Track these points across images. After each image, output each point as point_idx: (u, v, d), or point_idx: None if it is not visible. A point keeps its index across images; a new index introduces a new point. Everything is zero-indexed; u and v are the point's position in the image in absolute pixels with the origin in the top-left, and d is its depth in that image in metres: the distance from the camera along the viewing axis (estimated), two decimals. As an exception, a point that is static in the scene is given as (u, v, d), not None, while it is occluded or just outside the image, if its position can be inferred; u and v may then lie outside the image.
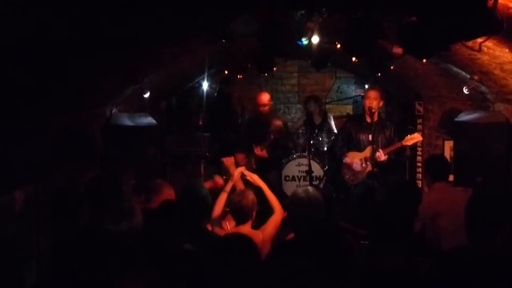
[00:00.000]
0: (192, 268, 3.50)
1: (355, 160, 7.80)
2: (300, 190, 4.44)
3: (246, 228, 4.91)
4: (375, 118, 7.69)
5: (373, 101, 7.63)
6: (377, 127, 7.60)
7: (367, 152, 7.65)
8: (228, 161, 6.45)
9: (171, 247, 3.91)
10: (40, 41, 3.21)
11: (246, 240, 3.50)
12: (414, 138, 7.46)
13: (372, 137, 7.56)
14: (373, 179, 7.67)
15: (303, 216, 4.26)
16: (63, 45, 3.52)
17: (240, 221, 4.99)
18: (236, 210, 5.01)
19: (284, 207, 4.76)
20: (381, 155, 7.44)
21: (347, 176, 7.98)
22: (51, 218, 4.63)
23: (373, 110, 7.60)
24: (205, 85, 9.77)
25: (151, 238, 3.96)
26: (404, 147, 7.63)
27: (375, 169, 7.62)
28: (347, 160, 7.90)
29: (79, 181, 5.37)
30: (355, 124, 8.09)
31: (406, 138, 7.46)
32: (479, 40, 3.75)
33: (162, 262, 3.53)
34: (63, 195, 4.85)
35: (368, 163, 7.64)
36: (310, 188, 4.53)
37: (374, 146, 7.52)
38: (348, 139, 8.04)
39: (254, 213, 5.03)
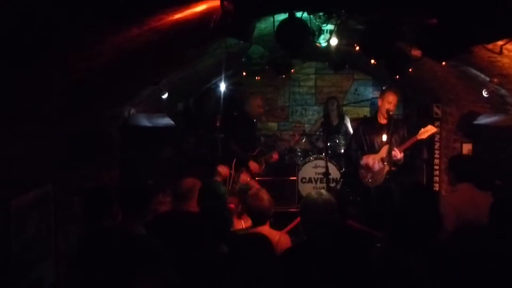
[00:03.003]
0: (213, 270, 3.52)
1: (372, 161, 7.75)
2: (313, 193, 4.39)
3: (264, 228, 4.88)
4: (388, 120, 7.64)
5: (392, 104, 7.58)
6: (390, 128, 7.53)
7: (383, 152, 7.60)
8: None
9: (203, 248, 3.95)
10: (60, 40, 3.23)
11: (263, 239, 3.48)
12: (428, 130, 7.38)
13: (387, 138, 7.51)
14: (391, 179, 7.61)
15: (317, 219, 4.22)
16: (81, 47, 3.54)
17: (258, 222, 4.95)
18: (254, 213, 4.97)
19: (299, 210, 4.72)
20: (397, 153, 7.40)
21: (366, 179, 7.90)
22: (81, 217, 4.65)
23: (391, 113, 7.56)
24: (222, 87, 9.78)
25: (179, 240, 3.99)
26: (421, 146, 7.58)
27: (393, 168, 7.56)
28: (364, 161, 7.84)
29: (97, 181, 5.41)
30: (367, 127, 8.03)
31: (420, 132, 7.40)
32: (500, 42, 3.73)
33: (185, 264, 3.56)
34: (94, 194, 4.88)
35: (385, 163, 7.59)
36: (323, 191, 4.49)
37: (389, 146, 7.47)
38: (361, 142, 7.99)
39: (272, 212, 5.01)
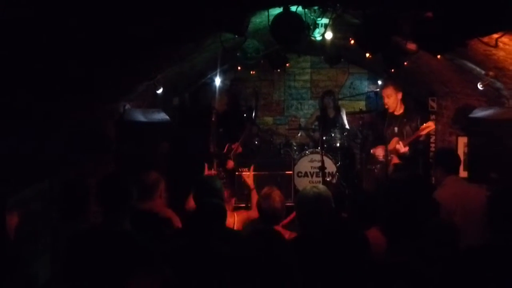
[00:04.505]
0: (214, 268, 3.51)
1: (381, 152, 7.87)
2: (308, 187, 4.36)
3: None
4: (401, 111, 7.72)
5: (387, 98, 7.67)
6: (403, 119, 7.62)
7: (393, 144, 7.70)
8: (246, 175, 6.72)
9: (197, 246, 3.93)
10: (56, 38, 3.22)
11: (277, 236, 3.44)
12: (429, 126, 7.48)
13: (398, 129, 7.60)
14: (397, 171, 7.71)
15: (312, 213, 4.21)
16: (78, 43, 3.53)
17: (270, 223, 4.83)
18: (266, 214, 4.87)
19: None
20: (401, 147, 7.50)
21: (376, 171, 8.04)
22: (59, 213, 4.64)
23: (387, 107, 7.63)
24: (217, 81, 9.76)
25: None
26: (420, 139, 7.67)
27: (400, 162, 7.65)
28: (373, 151, 7.98)
29: (93, 177, 5.40)
30: (383, 118, 8.11)
31: (420, 127, 7.49)
32: (495, 35, 3.72)
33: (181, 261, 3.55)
34: (70, 189, 4.86)
35: (392, 155, 7.71)
36: (319, 186, 4.46)
37: (398, 138, 7.57)
38: (377, 133, 8.10)
39: (284, 213, 4.97)
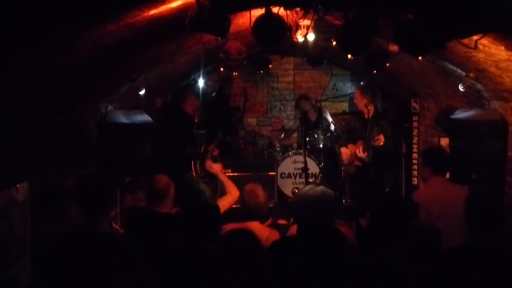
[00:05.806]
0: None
1: (347, 153, 8.15)
2: (307, 187, 4.27)
3: (255, 224, 4.86)
4: (370, 114, 7.80)
5: (356, 101, 8.05)
6: (371, 122, 7.72)
7: (353, 148, 7.98)
8: (216, 167, 6.70)
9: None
10: (35, 38, 3.20)
11: (249, 236, 3.45)
12: (379, 139, 7.71)
13: (366, 133, 7.73)
14: (356, 174, 8.02)
15: (310, 215, 4.15)
16: (61, 42, 3.51)
17: (252, 218, 4.94)
18: (249, 210, 4.95)
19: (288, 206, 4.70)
20: (360, 152, 7.78)
21: (344, 170, 8.35)
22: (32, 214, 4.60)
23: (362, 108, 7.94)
24: (201, 82, 9.74)
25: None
26: (399, 140, 7.83)
27: (360, 165, 7.91)
28: (342, 151, 8.38)
29: (74, 179, 5.36)
30: (358, 119, 8.31)
31: (376, 138, 7.66)
32: (475, 37, 3.74)
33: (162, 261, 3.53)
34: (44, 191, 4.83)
35: (354, 158, 8.02)
36: (318, 187, 4.40)
37: (361, 142, 7.76)
38: (351, 134, 8.30)
39: (267, 209, 5.01)
